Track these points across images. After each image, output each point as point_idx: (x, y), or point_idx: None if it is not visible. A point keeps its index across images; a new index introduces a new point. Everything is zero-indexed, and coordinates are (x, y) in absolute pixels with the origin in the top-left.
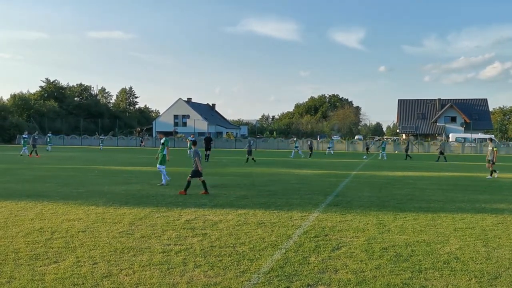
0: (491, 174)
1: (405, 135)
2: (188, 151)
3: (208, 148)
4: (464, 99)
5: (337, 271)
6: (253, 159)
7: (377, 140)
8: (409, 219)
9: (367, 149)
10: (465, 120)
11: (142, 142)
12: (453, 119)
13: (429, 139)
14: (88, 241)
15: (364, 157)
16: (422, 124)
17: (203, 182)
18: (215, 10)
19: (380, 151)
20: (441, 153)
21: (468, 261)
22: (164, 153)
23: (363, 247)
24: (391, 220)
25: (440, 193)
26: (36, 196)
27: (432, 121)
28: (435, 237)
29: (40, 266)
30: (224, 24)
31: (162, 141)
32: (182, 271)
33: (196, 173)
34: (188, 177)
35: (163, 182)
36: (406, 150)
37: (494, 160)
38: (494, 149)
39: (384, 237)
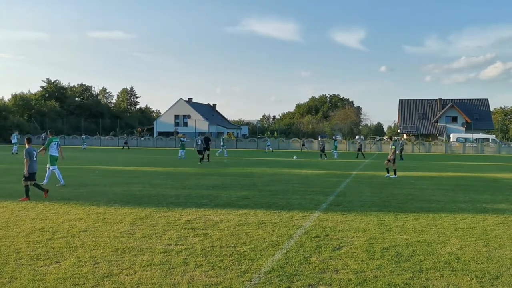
0: (388, 172)
1: (406, 135)
2: (180, 152)
3: (207, 148)
4: (465, 99)
5: (338, 271)
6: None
7: (378, 140)
8: (410, 219)
9: (323, 149)
10: (466, 120)
11: (126, 143)
12: (454, 119)
13: (430, 139)
14: (89, 241)
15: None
16: (423, 124)
17: (34, 184)
18: (216, 10)
19: (332, 150)
20: (359, 149)
21: (469, 261)
22: (51, 153)
23: (364, 247)
24: (392, 220)
25: (441, 193)
26: (37, 196)
27: (433, 121)
28: (436, 237)
29: (41, 266)
30: (225, 24)
31: (47, 141)
32: (183, 271)
33: (29, 177)
34: (23, 181)
35: (61, 182)
36: (359, 149)
37: (390, 158)
38: (392, 147)
39: (385, 237)
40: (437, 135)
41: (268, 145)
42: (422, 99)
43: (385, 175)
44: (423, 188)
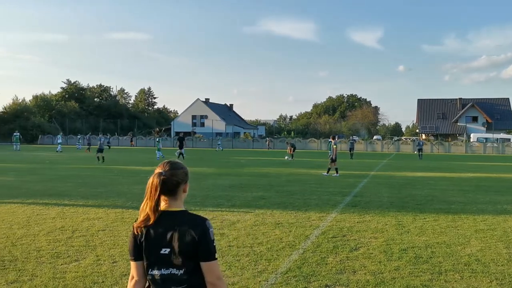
0: (337, 172)
1: (425, 135)
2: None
3: (181, 146)
4: (486, 99)
5: (355, 272)
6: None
7: (396, 140)
8: (429, 220)
9: (293, 149)
10: (486, 120)
11: (131, 141)
12: (475, 119)
13: (449, 139)
14: (107, 240)
15: (286, 157)
16: (443, 124)
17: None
18: (233, 10)
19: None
20: (350, 149)
21: (489, 263)
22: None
23: (382, 248)
24: (411, 221)
25: (461, 194)
26: (57, 195)
27: (452, 121)
28: (456, 239)
29: (61, 264)
30: (242, 24)
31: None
32: None
33: None
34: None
35: None
36: (350, 149)
37: (333, 157)
38: (334, 146)
39: (403, 238)
40: (457, 135)
41: (218, 144)
42: (442, 99)
43: (324, 174)
44: (442, 189)
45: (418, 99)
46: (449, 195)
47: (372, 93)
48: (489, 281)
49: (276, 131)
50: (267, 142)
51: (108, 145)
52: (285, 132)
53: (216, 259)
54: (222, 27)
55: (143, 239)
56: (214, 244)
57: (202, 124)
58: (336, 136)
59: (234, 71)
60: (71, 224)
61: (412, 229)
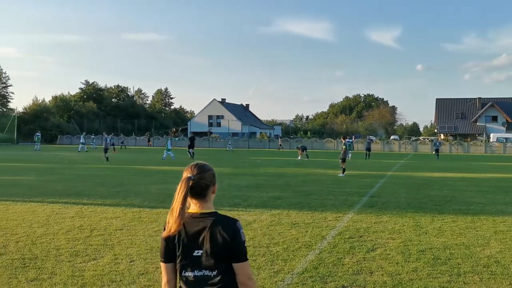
0: (343, 172)
1: (443, 135)
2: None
3: (191, 146)
4: (506, 98)
5: (372, 273)
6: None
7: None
8: (448, 221)
9: (304, 150)
10: (506, 120)
11: (149, 141)
12: (494, 119)
13: (468, 139)
14: (125, 239)
15: (299, 157)
16: (462, 124)
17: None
18: (249, 11)
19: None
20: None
21: (509, 265)
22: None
23: (399, 249)
24: (429, 222)
25: (480, 195)
26: (76, 195)
27: (472, 120)
28: (475, 240)
29: (80, 263)
30: (258, 24)
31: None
32: None
33: None
34: None
35: None
36: (367, 149)
37: (342, 157)
38: (343, 146)
39: (421, 239)
40: (476, 135)
41: (229, 144)
42: (460, 98)
43: (339, 175)
44: (461, 189)
45: (436, 99)
46: (468, 196)
47: (390, 92)
48: (508, 283)
49: (292, 131)
50: (279, 143)
51: (122, 145)
52: (301, 132)
53: (248, 259)
54: (238, 28)
55: (175, 241)
56: (245, 244)
57: (219, 124)
58: (353, 136)
59: (250, 71)
60: (89, 223)
61: (430, 230)
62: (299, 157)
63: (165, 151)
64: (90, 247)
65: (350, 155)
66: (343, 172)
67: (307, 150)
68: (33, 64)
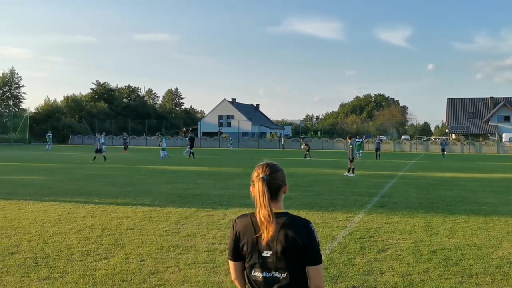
0: (349, 171)
1: (455, 135)
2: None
3: (191, 146)
4: None
5: (383, 273)
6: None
7: (425, 140)
8: (459, 221)
9: (377, 149)
10: None
11: (160, 142)
12: (507, 118)
13: (480, 139)
14: (136, 238)
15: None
16: (473, 124)
17: None
18: (258, 10)
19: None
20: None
21: None
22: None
23: (410, 250)
24: (440, 223)
25: (492, 195)
26: (87, 194)
27: (484, 120)
28: (487, 241)
29: (91, 262)
30: (267, 24)
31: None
32: (227, 270)
33: None
34: None
35: None
36: (377, 149)
37: (350, 157)
38: (350, 146)
39: (432, 240)
40: (488, 135)
41: (230, 144)
42: (472, 98)
43: (350, 175)
44: (473, 189)
45: (448, 98)
46: (480, 196)
47: (400, 92)
48: None
49: (302, 131)
50: (282, 142)
51: (126, 145)
52: (312, 132)
53: (322, 262)
54: (248, 28)
55: (244, 240)
56: (320, 246)
57: (229, 124)
58: (364, 136)
59: (260, 71)
60: (100, 223)
61: (442, 231)
62: (306, 153)
63: (161, 150)
64: (101, 246)
65: (361, 154)
66: (349, 172)
67: (310, 149)
68: (45, 65)
